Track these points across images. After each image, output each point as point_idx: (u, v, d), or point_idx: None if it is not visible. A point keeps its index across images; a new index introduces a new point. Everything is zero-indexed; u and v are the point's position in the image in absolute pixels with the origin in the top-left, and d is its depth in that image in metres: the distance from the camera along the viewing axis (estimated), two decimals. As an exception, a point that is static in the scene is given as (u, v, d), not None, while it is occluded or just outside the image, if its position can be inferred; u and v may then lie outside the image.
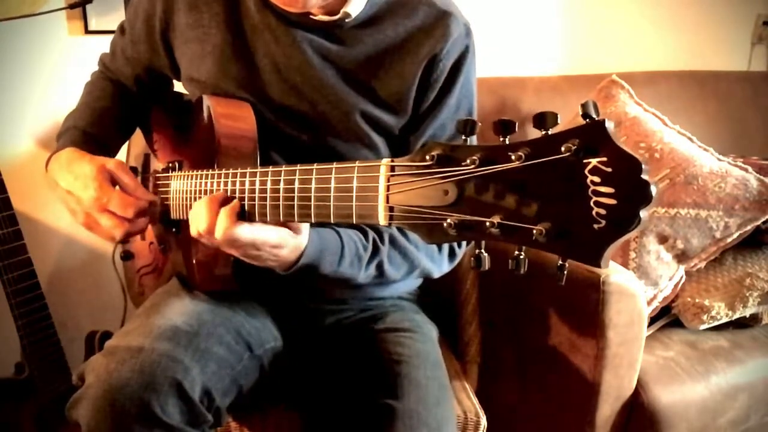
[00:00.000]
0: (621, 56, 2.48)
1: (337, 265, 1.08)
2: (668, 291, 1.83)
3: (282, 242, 0.96)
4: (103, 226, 1.11)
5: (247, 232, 0.92)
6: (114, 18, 1.80)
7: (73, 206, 1.15)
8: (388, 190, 0.72)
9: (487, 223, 0.62)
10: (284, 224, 0.96)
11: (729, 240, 1.85)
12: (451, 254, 1.24)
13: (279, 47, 1.16)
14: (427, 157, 0.67)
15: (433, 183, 0.67)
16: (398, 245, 1.17)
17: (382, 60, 1.16)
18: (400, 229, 1.16)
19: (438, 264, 1.24)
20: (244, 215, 0.94)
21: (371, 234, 1.15)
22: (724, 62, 2.67)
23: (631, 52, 2.50)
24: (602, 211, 0.56)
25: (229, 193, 0.96)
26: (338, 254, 1.08)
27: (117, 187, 1.11)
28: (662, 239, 1.82)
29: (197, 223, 0.95)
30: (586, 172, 0.56)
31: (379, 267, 1.15)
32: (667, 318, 1.88)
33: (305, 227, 0.99)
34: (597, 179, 0.56)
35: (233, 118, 1.12)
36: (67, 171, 1.15)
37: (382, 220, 0.73)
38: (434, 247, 1.21)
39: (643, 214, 0.55)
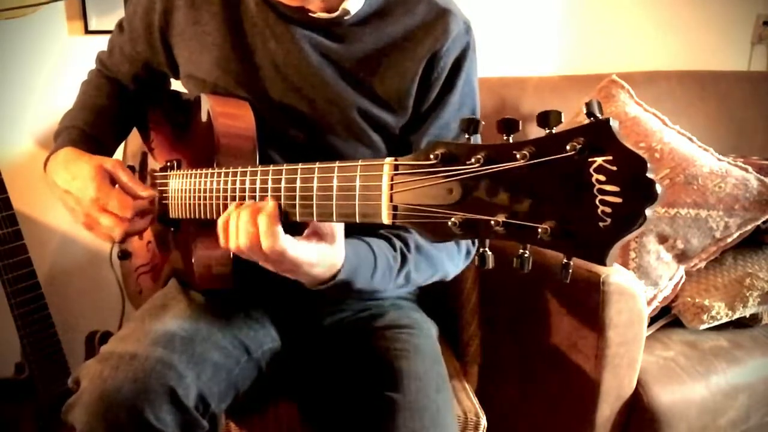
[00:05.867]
0: (621, 56, 2.47)
1: (371, 279, 1.06)
2: (668, 291, 1.83)
3: (320, 260, 0.93)
4: (103, 226, 1.10)
5: (292, 249, 0.88)
6: (114, 18, 1.79)
7: (72, 206, 1.15)
8: (391, 189, 0.72)
9: (492, 222, 0.62)
10: (319, 232, 0.92)
11: (729, 240, 1.85)
12: (467, 252, 1.24)
13: (278, 45, 1.15)
14: (431, 156, 0.67)
15: (437, 182, 0.67)
16: (425, 252, 1.16)
17: (381, 58, 1.16)
18: None
19: (456, 264, 1.23)
20: (282, 216, 0.89)
21: (398, 244, 1.13)
22: (724, 62, 2.67)
23: (631, 52, 2.50)
24: (607, 210, 0.56)
25: (228, 192, 0.96)
26: (372, 269, 1.06)
27: (116, 187, 1.11)
28: (662, 239, 1.82)
29: (236, 238, 0.90)
30: (591, 170, 0.56)
31: (407, 276, 1.14)
32: (667, 318, 1.88)
33: (339, 235, 0.94)
34: (602, 178, 0.56)
35: (232, 117, 1.12)
36: (65, 171, 1.15)
37: (385, 219, 0.73)
38: (453, 246, 1.20)
39: (649, 212, 0.54)
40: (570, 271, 0.60)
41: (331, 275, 0.98)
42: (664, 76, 2.38)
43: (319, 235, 0.92)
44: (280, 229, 0.86)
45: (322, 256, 0.93)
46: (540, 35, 2.39)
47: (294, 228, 0.90)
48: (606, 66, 2.30)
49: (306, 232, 0.92)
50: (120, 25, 1.37)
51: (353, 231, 1.09)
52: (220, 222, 0.94)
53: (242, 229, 0.89)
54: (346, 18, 1.14)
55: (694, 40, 2.63)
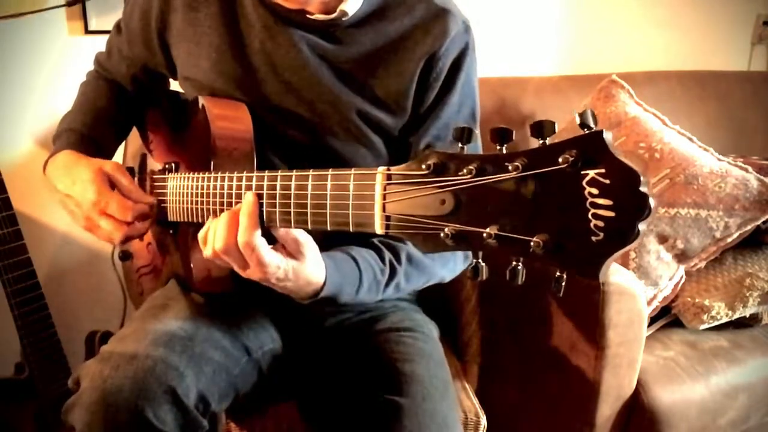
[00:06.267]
0: (621, 56, 2.47)
1: (356, 294, 1.07)
2: (668, 291, 1.82)
3: (287, 274, 0.94)
4: (103, 229, 1.11)
5: (264, 248, 0.89)
6: (114, 18, 1.76)
7: (72, 209, 1.15)
8: (384, 198, 0.71)
9: (484, 234, 0.61)
10: (287, 249, 0.93)
11: (729, 240, 1.84)
12: (465, 256, 1.24)
13: (276, 46, 1.15)
14: (424, 166, 0.67)
15: (430, 192, 0.66)
16: (417, 263, 1.16)
17: (379, 59, 1.16)
18: None
19: (451, 269, 1.23)
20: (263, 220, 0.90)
21: (387, 256, 1.14)
22: (724, 62, 2.67)
23: (631, 52, 2.50)
24: (600, 224, 0.55)
25: (225, 197, 0.96)
26: (356, 284, 1.07)
27: (115, 190, 1.11)
28: (662, 239, 1.82)
29: (213, 241, 0.92)
30: (583, 183, 0.56)
31: (397, 286, 1.15)
32: (667, 318, 1.87)
33: (309, 255, 0.95)
34: (595, 191, 0.55)
35: (229, 119, 1.11)
36: (64, 174, 1.15)
37: (378, 229, 0.72)
38: (448, 253, 1.21)
39: (642, 226, 0.54)
40: (563, 284, 0.60)
41: (313, 291, 1.00)
42: (664, 76, 2.37)
43: (286, 251, 0.93)
44: (258, 231, 0.88)
45: (291, 271, 0.94)
46: (540, 35, 2.38)
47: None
48: (606, 66, 2.29)
49: (275, 246, 0.93)
50: (118, 27, 1.36)
51: (344, 239, 1.09)
52: (200, 235, 0.95)
53: (221, 228, 0.90)
54: (343, 19, 1.14)
55: (694, 40, 2.62)
